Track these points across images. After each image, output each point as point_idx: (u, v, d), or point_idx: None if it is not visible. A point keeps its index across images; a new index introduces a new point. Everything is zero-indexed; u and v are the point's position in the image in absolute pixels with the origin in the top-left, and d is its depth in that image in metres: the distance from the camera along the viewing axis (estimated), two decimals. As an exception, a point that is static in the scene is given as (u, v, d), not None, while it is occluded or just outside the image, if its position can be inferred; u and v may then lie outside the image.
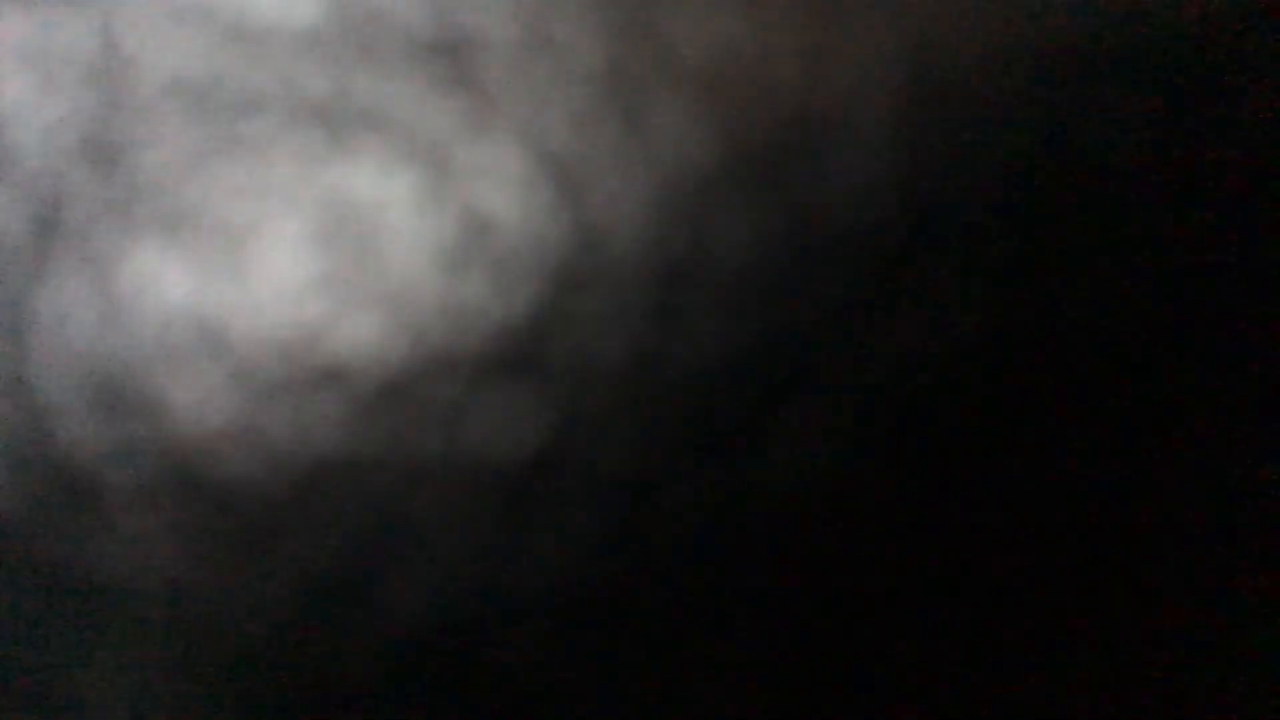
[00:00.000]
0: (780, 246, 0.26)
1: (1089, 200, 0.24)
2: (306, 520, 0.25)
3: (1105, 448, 0.26)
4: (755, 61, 0.26)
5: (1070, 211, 0.24)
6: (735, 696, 0.26)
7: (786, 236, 0.26)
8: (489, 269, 0.26)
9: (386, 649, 0.26)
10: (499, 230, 0.26)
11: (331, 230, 0.26)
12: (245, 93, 0.26)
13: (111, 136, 0.26)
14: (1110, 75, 0.24)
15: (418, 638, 0.25)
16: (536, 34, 0.26)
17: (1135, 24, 0.23)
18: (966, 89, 0.26)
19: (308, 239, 0.26)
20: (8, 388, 0.25)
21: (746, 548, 0.26)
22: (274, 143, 0.26)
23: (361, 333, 0.25)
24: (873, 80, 0.25)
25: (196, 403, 0.25)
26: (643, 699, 0.26)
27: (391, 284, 0.25)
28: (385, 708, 0.25)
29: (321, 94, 0.26)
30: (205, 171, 0.26)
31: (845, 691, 0.25)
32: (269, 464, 0.25)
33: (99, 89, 0.26)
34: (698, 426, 0.26)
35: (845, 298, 0.26)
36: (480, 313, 0.25)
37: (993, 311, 0.26)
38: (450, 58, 0.26)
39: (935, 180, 0.25)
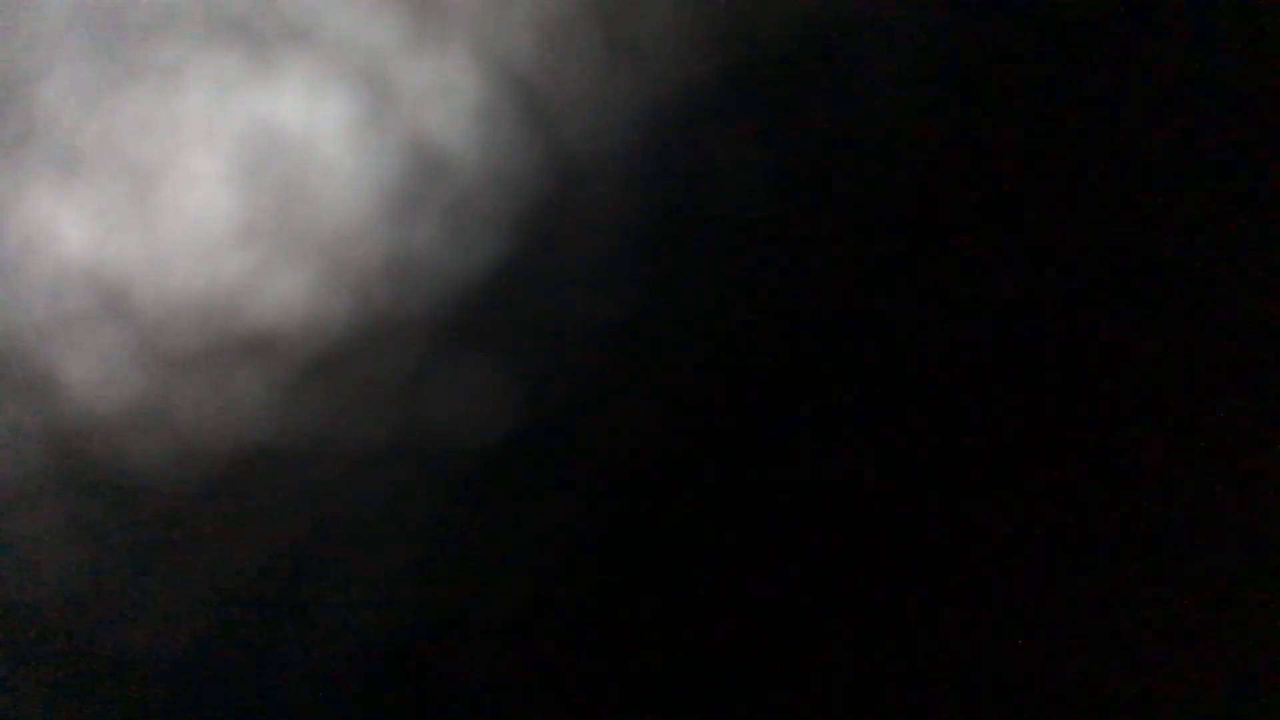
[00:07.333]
0: (796, 186, 0.24)
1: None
2: (227, 519, 0.24)
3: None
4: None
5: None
6: (735, 709, 0.24)
7: (804, 174, 0.24)
8: (444, 215, 0.24)
9: (323, 674, 0.24)
10: (454, 167, 0.24)
11: (253, 168, 0.24)
12: (153, 9, 0.25)
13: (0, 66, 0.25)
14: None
15: (360, 661, 0.24)
16: (497, -69, 0.25)
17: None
18: None
19: (225, 179, 0.24)
20: None
21: (747, 548, 0.24)
22: (185, 66, 0.25)
23: (292, 293, 0.24)
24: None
25: (95, 378, 0.24)
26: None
27: (326, 234, 0.24)
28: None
29: (240, 7, 0.25)
30: (107, 102, 0.25)
31: (847, 691, 0.24)
32: (182, 452, 0.24)
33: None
34: (697, 406, 0.24)
35: (877, 252, 0.24)
36: (435, 269, 0.24)
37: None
38: (393, -40, 0.25)
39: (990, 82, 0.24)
